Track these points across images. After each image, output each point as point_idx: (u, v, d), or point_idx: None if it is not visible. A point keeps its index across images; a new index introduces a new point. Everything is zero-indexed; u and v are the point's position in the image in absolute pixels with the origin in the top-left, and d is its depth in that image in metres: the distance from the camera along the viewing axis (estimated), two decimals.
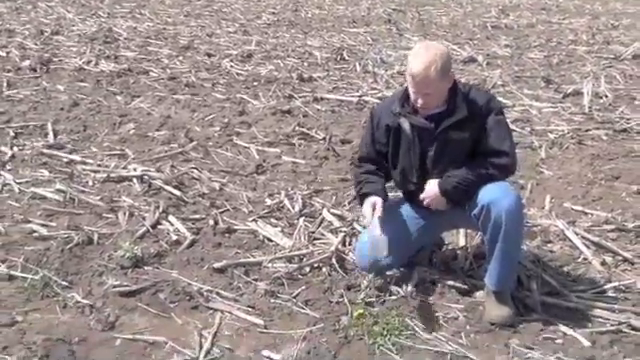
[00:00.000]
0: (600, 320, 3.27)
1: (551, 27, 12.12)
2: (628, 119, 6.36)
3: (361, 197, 3.48)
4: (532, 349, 2.99)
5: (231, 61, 8.73)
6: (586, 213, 4.41)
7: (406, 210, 3.56)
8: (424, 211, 3.47)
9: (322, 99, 7.03)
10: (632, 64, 8.94)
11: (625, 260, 3.79)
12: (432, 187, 3.33)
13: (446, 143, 3.29)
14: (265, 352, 3.02)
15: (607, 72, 8.33)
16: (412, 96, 3.24)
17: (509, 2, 15.74)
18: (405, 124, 3.33)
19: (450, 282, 3.53)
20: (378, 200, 3.36)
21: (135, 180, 4.75)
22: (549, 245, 3.96)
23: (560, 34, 11.36)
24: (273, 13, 13.31)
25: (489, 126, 3.27)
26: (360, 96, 7.00)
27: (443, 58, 3.15)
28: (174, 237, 3.99)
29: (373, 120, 3.51)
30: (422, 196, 3.36)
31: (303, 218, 4.19)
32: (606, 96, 7.20)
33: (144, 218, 4.19)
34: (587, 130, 6.13)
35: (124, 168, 4.96)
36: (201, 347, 3.04)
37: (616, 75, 8.22)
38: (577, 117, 6.53)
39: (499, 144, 3.27)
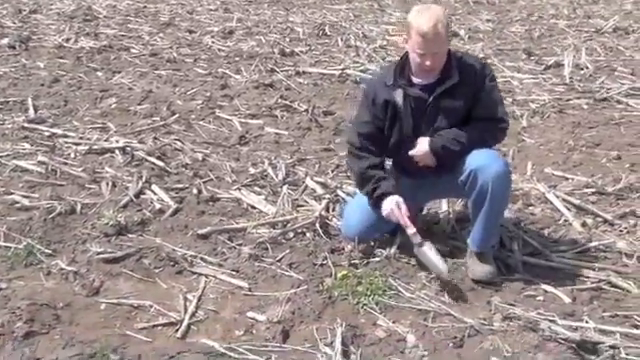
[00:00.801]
0: (581, 278, 3.32)
1: (532, 2, 12.10)
2: (608, 89, 6.40)
3: (377, 198, 3.32)
4: (514, 306, 3.03)
5: (212, 37, 8.67)
6: (567, 178, 4.45)
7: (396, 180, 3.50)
8: (414, 181, 3.46)
9: (304, 73, 7.01)
10: (612, 37, 8.96)
11: (605, 221, 3.84)
12: (422, 144, 3.28)
13: (440, 111, 3.26)
14: (250, 313, 3.04)
15: (588, 45, 8.35)
16: (418, 59, 3.15)
17: None
18: (398, 97, 3.27)
19: (433, 241, 3.55)
20: (400, 200, 3.26)
21: (117, 152, 4.74)
22: (530, 208, 3.99)
23: (541, 9, 11.36)
24: None
25: (483, 93, 3.25)
26: (342, 69, 6.98)
27: (445, 15, 3.16)
28: (157, 206, 3.99)
29: (368, 98, 3.38)
30: (411, 152, 3.31)
31: (287, 186, 4.20)
32: (587, 67, 7.22)
33: (127, 188, 4.19)
34: (568, 100, 6.16)
35: (106, 140, 4.94)
36: (186, 310, 3.05)
37: (597, 47, 8.25)
38: (558, 87, 6.56)
39: (493, 111, 3.29)
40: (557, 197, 4.02)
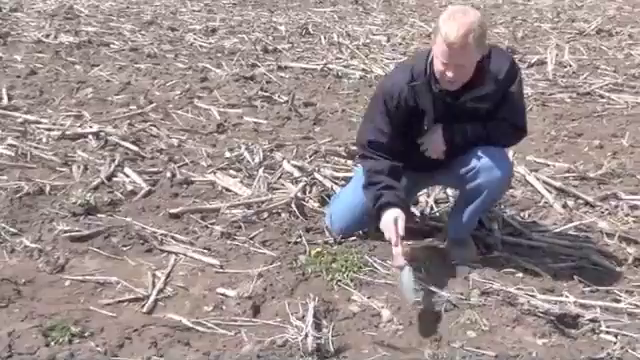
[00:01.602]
0: (561, 257, 3.26)
1: (516, 7, 12.12)
2: (591, 84, 6.37)
3: (379, 208, 3.00)
4: (492, 281, 2.95)
5: (195, 35, 8.58)
6: (548, 165, 4.39)
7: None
8: (416, 174, 3.27)
9: (286, 67, 6.92)
10: (596, 38, 8.96)
11: (587, 203, 3.78)
12: (436, 131, 3.04)
13: (464, 113, 3.00)
14: (220, 289, 2.94)
15: (571, 45, 8.32)
16: (439, 67, 2.82)
17: None
18: (423, 98, 2.97)
19: (411, 225, 3.46)
20: (401, 215, 2.92)
21: (91, 137, 4.61)
22: (510, 190, 3.90)
23: (525, 13, 11.37)
24: None
25: (508, 96, 3.01)
26: (325, 64, 6.90)
27: (482, 25, 2.76)
28: (129, 187, 3.88)
29: (387, 106, 3.01)
30: (421, 139, 3.07)
31: (263, 169, 4.10)
32: (570, 65, 7.18)
33: (99, 171, 4.07)
34: (551, 94, 6.12)
35: (80, 126, 4.82)
36: (154, 286, 2.94)
37: (580, 47, 8.23)
38: (541, 83, 6.52)
39: (515, 118, 3.08)
40: (538, 180, 3.95)
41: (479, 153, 3.00)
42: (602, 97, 6.03)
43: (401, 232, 2.88)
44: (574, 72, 6.93)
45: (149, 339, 2.58)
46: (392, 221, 2.89)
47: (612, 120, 5.41)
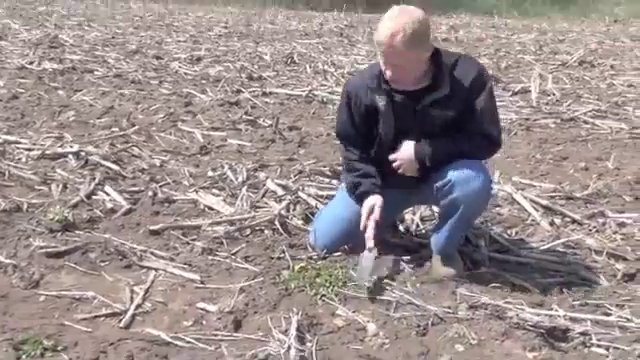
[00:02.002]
0: (550, 272, 3.19)
1: (499, 40, 12.31)
2: (575, 110, 6.40)
3: (358, 196, 3.08)
4: (480, 295, 2.87)
5: (179, 63, 8.58)
6: (534, 185, 4.35)
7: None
8: (395, 191, 3.16)
9: (271, 93, 6.93)
10: (578, 69, 9.07)
11: (574, 221, 3.73)
12: (407, 148, 2.99)
13: (427, 121, 2.96)
14: (200, 304, 2.84)
15: (554, 75, 8.41)
16: (382, 67, 2.88)
17: (459, 21, 16.01)
18: (381, 102, 2.98)
19: (396, 240, 3.41)
20: (378, 201, 2.99)
21: (71, 156, 4.55)
22: (497, 209, 3.88)
23: (508, 46, 11.53)
24: (225, 27, 13.24)
25: (479, 107, 2.93)
26: (310, 90, 6.90)
27: (414, 26, 2.73)
28: (109, 205, 3.79)
29: (350, 100, 3.08)
30: (393, 156, 3.02)
31: (246, 187, 4.03)
32: (553, 94, 7.23)
33: (78, 189, 3.98)
34: (535, 120, 6.13)
35: (60, 146, 4.74)
36: (132, 301, 2.84)
37: (563, 77, 8.31)
38: (525, 110, 6.55)
39: (489, 128, 3.00)
40: (525, 198, 3.91)
41: (454, 166, 2.93)
42: (586, 123, 6.05)
43: (377, 217, 2.98)
44: (557, 100, 6.97)
45: (125, 353, 2.47)
46: (369, 208, 2.99)
47: (597, 144, 5.41)
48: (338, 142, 3.38)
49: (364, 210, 3.01)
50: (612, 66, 9.33)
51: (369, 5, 19.47)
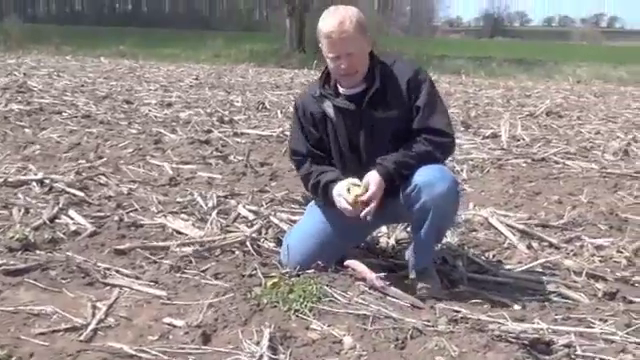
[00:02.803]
0: (529, 291, 3.11)
1: (468, 95, 12.49)
2: (545, 151, 6.44)
3: (324, 188, 3.03)
4: (459, 311, 2.76)
5: (150, 107, 8.51)
6: (509, 215, 4.30)
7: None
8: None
9: (242, 134, 6.87)
10: (546, 119, 9.20)
11: (551, 245, 3.68)
12: (373, 177, 2.93)
13: (373, 124, 2.98)
14: (167, 319, 2.68)
15: (523, 123, 8.51)
16: (332, 65, 2.91)
17: None
18: (328, 108, 3.02)
19: (372, 260, 3.31)
20: (346, 185, 2.95)
21: (35, 184, 4.39)
22: (474, 233, 3.81)
23: (477, 99, 11.71)
24: (196, 79, 13.26)
25: (421, 102, 2.95)
26: (282, 131, 6.86)
27: (358, 14, 2.89)
28: (73, 228, 3.64)
29: (298, 112, 3.16)
30: (367, 196, 2.90)
31: (216, 212, 3.91)
32: (523, 139, 7.29)
33: (41, 214, 3.82)
34: (507, 159, 6.14)
35: (24, 175, 4.58)
36: (94, 316, 2.67)
37: (531, 125, 8.41)
38: (496, 151, 6.57)
39: (435, 122, 2.97)
40: (501, 223, 3.85)
41: (419, 172, 2.90)
42: (557, 163, 6.08)
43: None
44: (527, 144, 7.02)
45: None
46: (344, 189, 2.93)
47: (569, 182, 5.41)
48: (293, 164, 3.36)
49: (337, 196, 2.96)
50: (578, 117, 9.49)
51: None
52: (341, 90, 3.04)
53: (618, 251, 3.55)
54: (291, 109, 8.16)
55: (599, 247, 3.62)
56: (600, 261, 3.47)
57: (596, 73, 20.26)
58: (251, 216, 3.90)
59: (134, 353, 2.41)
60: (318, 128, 3.10)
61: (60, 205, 3.93)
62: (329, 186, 3.01)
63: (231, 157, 5.71)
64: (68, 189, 4.29)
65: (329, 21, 2.86)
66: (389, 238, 3.63)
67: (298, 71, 17.15)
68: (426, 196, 2.86)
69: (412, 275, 3.05)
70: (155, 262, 3.22)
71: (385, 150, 2.98)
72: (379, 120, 2.99)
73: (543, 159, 6.14)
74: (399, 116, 2.98)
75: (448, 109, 3.21)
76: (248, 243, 3.42)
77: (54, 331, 2.56)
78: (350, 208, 2.92)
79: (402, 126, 2.99)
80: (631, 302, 2.99)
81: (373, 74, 3.00)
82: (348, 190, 2.92)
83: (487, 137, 7.36)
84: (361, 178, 2.98)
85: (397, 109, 2.98)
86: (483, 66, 20.97)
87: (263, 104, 9.09)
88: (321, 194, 3.08)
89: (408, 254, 3.10)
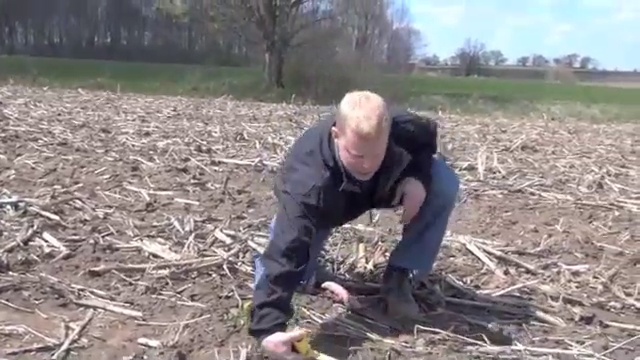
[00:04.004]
0: (506, 315, 3.10)
1: (443, 130, 12.58)
2: (521, 183, 6.50)
3: (256, 331, 2.53)
4: (438, 332, 2.75)
5: (127, 136, 8.47)
6: (486, 243, 4.31)
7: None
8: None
9: (220, 162, 6.85)
10: (522, 153, 9.30)
11: (528, 271, 3.69)
12: (415, 194, 2.82)
13: (391, 183, 2.84)
14: (142, 340, 2.64)
15: (499, 156, 8.59)
16: (351, 160, 2.58)
17: None
18: (358, 190, 2.74)
19: (350, 284, 3.30)
20: (283, 338, 2.45)
21: (9, 207, 4.33)
22: (451, 259, 3.81)
23: (453, 134, 11.80)
24: (174, 110, 13.26)
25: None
26: (260, 160, 6.85)
27: (386, 110, 2.54)
28: (47, 250, 3.58)
29: (310, 209, 2.61)
30: (407, 215, 2.88)
31: (193, 236, 3.87)
32: (499, 171, 7.35)
33: (15, 236, 3.76)
34: (484, 190, 6.19)
35: None
36: (67, 337, 2.62)
37: (507, 159, 8.50)
38: (473, 183, 6.60)
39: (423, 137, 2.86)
40: (478, 248, 3.87)
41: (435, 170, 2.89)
42: (533, 194, 6.13)
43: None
44: (504, 176, 7.08)
45: None
46: (282, 345, 2.43)
47: (544, 212, 5.45)
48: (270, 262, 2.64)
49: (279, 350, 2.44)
50: (553, 152, 9.61)
51: (317, 98, 19.98)
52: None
53: (594, 277, 3.58)
54: (270, 140, 8.22)
55: (575, 273, 3.65)
56: (577, 287, 3.49)
57: (570, 111, 20.67)
58: (228, 240, 3.87)
59: None
60: (330, 208, 2.70)
61: (34, 228, 3.87)
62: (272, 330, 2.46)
63: (209, 184, 5.69)
64: (43, 212, 4.23)
65: (366, 118, 2.47)
66: (367, 262, 3.62)
67: (276, 105, 17.21)
68: (442, 195, 2.89)
69: (390, 298, 3.04)
70: (130, 284, 3.18)
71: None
72: (395, 176, 2.84)
73: (519, 190, 6.19)
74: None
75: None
76: (225, 266, 3.39)
77: (26, 351, 2.51)
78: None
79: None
80: (607, 326, 2.99)
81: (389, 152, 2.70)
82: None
83: (464, 169, 7.40)
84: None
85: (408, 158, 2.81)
86: (459, 103, 21.25)
87: (241, 135, 9.10)
88: (258, 328, 2.51)
89: (400, 262, 3.08)
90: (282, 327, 2.47)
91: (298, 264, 2.56)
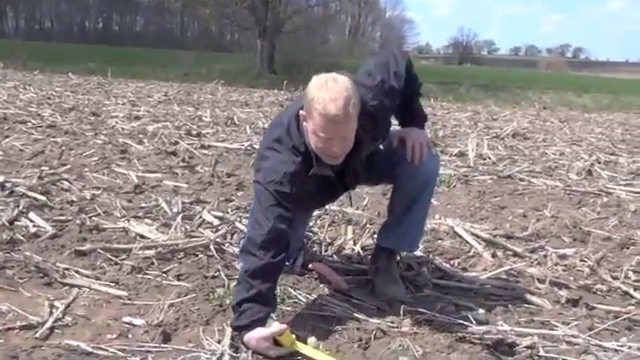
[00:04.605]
0: (493, 297, 3.10)
1: (435, 117, 12.59)
2: (511, 169, 6.50)
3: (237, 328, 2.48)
4: (424, 313, 2.75)
5: (117, 120, 8.42)
6: (475, 227, 4.31)
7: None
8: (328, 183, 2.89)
9: (209, 146, 6.82)
10: (512, 140, 9.31)
11: (516, 254, 3.69)
12: (417, 135, 2.84)
13: (363, 163, 2.79)
14: (127, 318, 2.62)
15: (489, 143, 8.59)
16: (320, 145, 2.51)
17: None
18: (330, 174, 2.68)
19: (338, 265, 3.29)
20: (266, 332, 2.40)
21: None
22: (439, 241, 3.81)
23: (445, 121, 11.81)
24: (165, 95, 13.19)
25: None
26: (250, 144, 6.83)
27: (356, 92, 2.49)
28: (33, 230, 3.55)
29: (283, 196, 2.56)
30: (412, 153, 2.80)
31: (181, 217, 3.86)
32: (489, 157, 7.36)
33: (0, 215, 3.73)
34: (473, 176, 6.19)
35: None
36: (51, 315, 2.61)
37: (498, 146, 8.51)
38: (463, 168, 6.60)
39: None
40: (466, 231, 3.86)
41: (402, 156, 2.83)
42: (522, 180, 6.13)
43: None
44: (494, 162, 7.08)
45: (39, 359, 2.24)
46: (263, 341, 2.39)
47: (533, 197, 5.45)
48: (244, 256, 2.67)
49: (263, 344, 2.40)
50: (544, 139, 9.63)
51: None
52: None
53: (581, 260, 3.58)
54: (260, 125, 8.19)
55: (562, 257, 3.65)
56: (563, 270, 3.49)
57: (561, 100, 20.71)
58: (216, 222, 3.85)
59: (91, 350, 2.35)
60: (306, 191, 2.67)
61: (20, 208, 3.84)
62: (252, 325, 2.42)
63: (198, 167, 5.67)
64: (29, 193, 4.20)
65: (332, 99, 2.40)
66: (355, 244, 3.62)
67: (268, 91, 17.18)
68: (424, 172, 2.85)
69: (377, 279, 3.04)
70: (116, 264, 3.16)
71: (372, 170, 2.91)
72: (368, 156, 2.81)
73: (509, 176, 6.20)
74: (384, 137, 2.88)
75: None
76: (212, 247, 3.38)
77: (9, 329, 2.49)
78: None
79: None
80: (593, 308, 3.00)
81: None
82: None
83: (454, 155, 7.40)
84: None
85: (381, 137, 2.83)
86: (451, 91, 21.24)
87: (232, 119, 9.07)
88: (238, 325, 2.47)
89: (386, 242, 3.07)
90: (262, 322, 2.42)
91: (276, 254, 2.50)
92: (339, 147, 2.52)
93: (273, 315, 2.50)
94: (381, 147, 2.93)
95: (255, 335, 2.39)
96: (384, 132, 2.85)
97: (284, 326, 2.43)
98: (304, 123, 2.57)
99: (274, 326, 2.41)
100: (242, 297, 2.45)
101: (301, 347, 2.43)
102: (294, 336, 2.44)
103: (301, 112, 2.57)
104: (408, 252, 3.18)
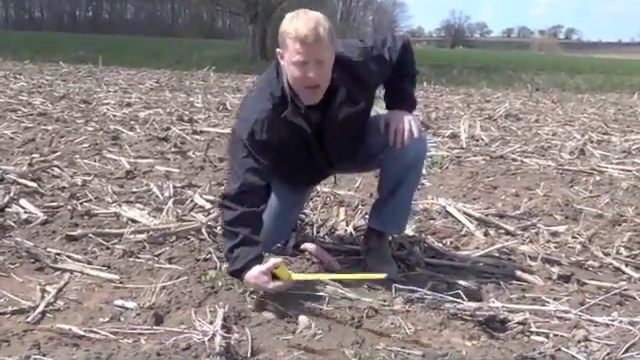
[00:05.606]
0: (485, 275, 3.11)
1: (428, 99, 12.58)
2: (503, 149, 6.51)
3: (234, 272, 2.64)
4: (416, 291, 2.75)
5: (108, 107, 8.39)
6: (467, 207, 4.31)
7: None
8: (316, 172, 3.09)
9: (202, 132, 6.80)
10: (505, 121, 9.31)
11: (508, 233, 3.70)
12: (398, 117, 2.83)
13: (341, 125, 2.78)
14: (118, 302, 2.62)
15: (482, 124, 8.59)
16: (297, 73, 2.56)
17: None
18: (304, 125, 2.71)
19: (330, 245, 3.29)
20: (261, 269, 2.54)
21: None
22: (431, 221, 3.81)
23: (437, 103, 11.79)
24: (156, 82, 13.13)
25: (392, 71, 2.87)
26: None
27: (328, 21, 2.58)
28: (24, 216, 3.54)
29: (254, 145, 2.64)
30: (394, 136, 2.80)
31: (172, 201, 3.85)
32: (482, 139, 7.35)
33: None
34: (466, 157, 6.19)
35: None
36: (42, 299, 2.60)
37: (490, 127, 8.51)
38: (455, 150, 6.61)
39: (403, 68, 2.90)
40: (458, 211, 3.87)
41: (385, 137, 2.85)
42: (515, 160, 6.14)
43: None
44: (486, 143, 7.08)
45: (31, 343, 2.24)
46: (262, 275, 2.53)
47: (526, 177, 5.46)
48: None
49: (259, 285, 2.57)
50: (536, 120, 9.64)
51: None
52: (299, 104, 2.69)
53: (573, 237, 3.60)
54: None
55: (554, 234, 3.66)
56: (555, 247, 3.51)
57: (554, 81, 20.68)
58: (208, 205, 3.85)
59: (83, 334, 2.34)
60: (280, 145, 2.71)
61: (11, 194, 3.83)
62: (249, 265, 2.56)
63: (190, 153, 5.65)
64: (20, 180, 4.19)
65: (303, 24, 2.51)
66: (347, 225, 3.62)
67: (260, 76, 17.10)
68: (411, 152, 2.85)
69: (369, 258, 3.04)
70: (108, 248, 3.16)
71: (353, 142, 2.93)
72: (346, 118, 2.79)
73: (501, 156, 6.21)
74: (367, 102, 2.88)
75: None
76: (204, 230, 3.37)
77: (1, 314, 2.48)
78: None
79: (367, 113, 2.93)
80: (585, 284, 3.01)
81: (333, 76, 2.69)
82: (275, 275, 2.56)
83: (447, 137, 7.40)
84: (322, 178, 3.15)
85: (361, 101, 2.82)
86: (444, 74, 21.19)
87: (224, 105, 9.04)
88: (235, 269, 2.63)
89: (382, 219, 3.06)
90: (257, 261, 2.56)
91: (252, 205, 2.63)
92: (315, 72, 2.55)
93: (265, 254, 2.63)
94: (368, 133, 2.95)
95: (253, 273, 2.53)
96: (364, 98, 2.84)
97: (279, 259, 2.58)
98: (282, 62, 2.64)
99: (270, 261, 2.55)
100: (230, 244, 2.60)
101: (298, 276, 2.62)
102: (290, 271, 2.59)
103: (278, 50, 2.65)
104: (395, 233, 3.18)
